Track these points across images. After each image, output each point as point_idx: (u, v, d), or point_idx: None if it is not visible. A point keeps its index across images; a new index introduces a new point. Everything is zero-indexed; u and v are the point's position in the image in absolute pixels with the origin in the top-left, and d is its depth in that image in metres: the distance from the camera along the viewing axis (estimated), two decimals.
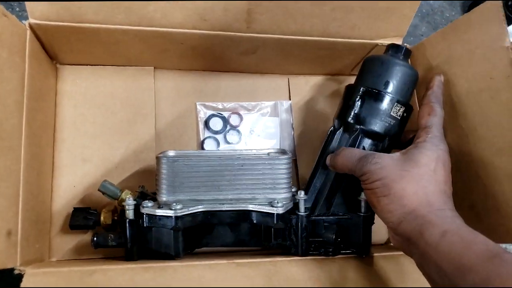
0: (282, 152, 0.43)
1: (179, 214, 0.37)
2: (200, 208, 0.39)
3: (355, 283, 0.39)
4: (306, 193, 0.42)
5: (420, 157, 0.35)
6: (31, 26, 0.40)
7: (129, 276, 0.36)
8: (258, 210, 0.39)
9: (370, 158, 0.36)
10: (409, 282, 0.41)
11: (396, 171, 0.35)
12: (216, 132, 0.52)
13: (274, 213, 0.38)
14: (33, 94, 0.40)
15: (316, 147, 0.51)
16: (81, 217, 0.41)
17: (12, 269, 0.35)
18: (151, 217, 0.38)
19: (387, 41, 0.49)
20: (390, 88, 0.41)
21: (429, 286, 0.32)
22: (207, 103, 0.52)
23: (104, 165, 0.47)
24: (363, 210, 0.41)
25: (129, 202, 0.38)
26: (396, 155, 0.37)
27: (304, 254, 0.41)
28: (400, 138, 0.43)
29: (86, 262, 0.43)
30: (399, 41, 0.49)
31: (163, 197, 0.39)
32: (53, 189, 0.46)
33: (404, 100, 0.42)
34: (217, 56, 0.50)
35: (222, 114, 0.52)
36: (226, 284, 0.36)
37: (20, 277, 0.34)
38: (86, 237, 0.45)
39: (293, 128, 0.54)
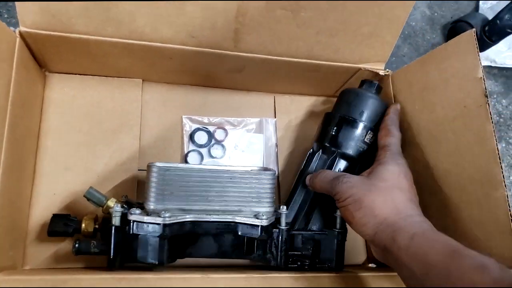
0: (265, 169, 0.44)
1: (167, 222, 0.38)
2: (188, 218, 0.39)
3: None
4: (287, 208, 0.44)
5: (384, 172, 0.39)
6: (21, 34, 0.41)
7: (103, 286, 0.36)
8: (244, 222, 0.40)
9: (341, 178, 0.40)
10: None
11: (365, 186, 0.38)
12: (201, 146, 0.52)
13: (259, 225, 0.40)
14: (18, 101, 0.40)
15: (298, 163, 0.53)
16: (61, 224, 0.40)
17: None
18: (139, 224, 0.38)
19: (369, 66, 0.51)
20: (364, 117, 0.46)
21: None
22: (193, 117, 0.53)
23: (86, 174, 0.47)
24: (338, 226, 0.44)
25: (117, 209, 0.38)
26: (363, 174, 0.41)
27: (282, 266, 0.42)
28: (369, 161, 0.45)
29: (61, 271, 0.42)
30: (381, 66, 0.51)
31: (152, 205, 0.39)
32: (32, 196, 0.45)
33: (375, 128, 0.46)
34: (204, 72, 0.51)
35: (207, 128, 0.53)
36: None
37: None
38: (63, 245, 0.45)
39: (276, 145, 0.55)
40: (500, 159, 0.37)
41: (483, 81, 0.39)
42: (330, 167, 0.46)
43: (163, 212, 0.38)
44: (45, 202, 0.45)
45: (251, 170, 0.43)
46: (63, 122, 0.48)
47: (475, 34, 0.40)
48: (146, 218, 0.38)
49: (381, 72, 0.51)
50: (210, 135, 0.53)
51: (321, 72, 0.51)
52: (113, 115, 0.50)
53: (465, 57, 0.41)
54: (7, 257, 0.39)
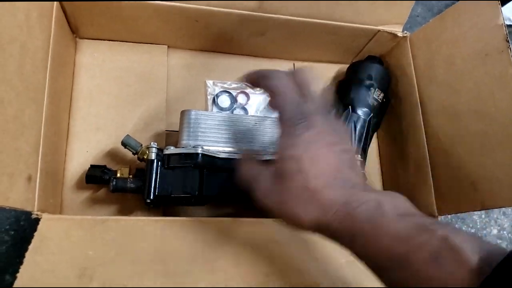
0: None
1: (202, 152, 0.40)
2: (218, 154, 0.42)
3: None
4: None
5: (282, 164, 0.30)
6: None
7: (139, 226, 0.37)
8: (269, 159, 0.41)
9: (253, 193, 0.31)
10: None
11: (278, 199, 0.30)
12: (223, 109, 0.54)
13: None
14: (57, 57, 0.43)
15: None
16: (98, 171, 0.43)
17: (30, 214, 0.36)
18: (174, 156, 0.41)
19: (388, 28, 0.52)
20: (371, 78, 0.53)
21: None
22: (216, 81, 0.55)
23: (116, 133, 0.49)
24: None
25: (153, 145, 0.41)
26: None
27: None
28: (382, 119, 0.54)
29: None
30: (399, 28, 0.53)
31: (184, 141, 0.42)
32: (67, 153, 0.47)
33: (383, 88, 0.53)
34: (228, 36, 0.53)
35: (230, 92, 0.55)
36: (229, 236, 0.38)
37: (36, 222, 0.36)
38: (98, 196, 0.46)
39: None
40: None
41: (504, 27, 0.40)
42: (344, 121, 0.51)
43: (196, 145, 0.41)
44: (78, 159, 0.47)
45: (272, 118, 0.46)
46: (94, 85, 0.51)
47: None
48: (182, 150, 0.40)
49: (399, 34, 0.52)
50: (233, 98, 0.55)
51: (341, 34, 0.53)
52: (141, 79, 0.52)
53: (485, 7, 0.42)
54: (48, 203, 0.41)
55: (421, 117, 0.50)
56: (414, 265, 0.24)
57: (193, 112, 0.44)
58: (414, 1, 0.51)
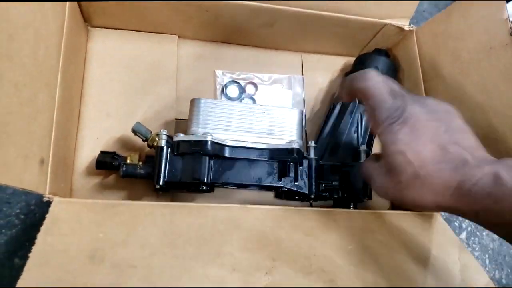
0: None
1: (211, 139, 0.41)
2: (226, 142, 0.43)
3: (354, 230, 0.42)
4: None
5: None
6: None
7: (149, 210, 0.38)
8: (276, 147, 0.44)
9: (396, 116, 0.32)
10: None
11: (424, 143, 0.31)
12: (232, 99, 0.55)
13: (292, 147, 0.43)
14: (69, 44, 0.43)
15: (323, 118, 0.55)
16: (108, 157, 0.43)
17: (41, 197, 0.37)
18: (184, 143, 0.42)
19: (395, 21, 0.53)
20: (378, 71, 0.50)
21: None
22: (225, 71, 0.55)
23: (126, 120, 0.50)
24: (362, 159, 0.47)
25: (163, 132, 0.42)
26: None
27: (314, 193, 0.45)
28: None
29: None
30: (406, 22, 0.53)
31: (193, 129, 0.43)
32: (77, 139, 0.48)
33: None
34: (238, 27, 0.53)
35: (238, 82, 0.55)
36: (237, 222, 0.39)
37: (48, 205, 0.37)
38: (107, 181, 0.47)
39: (304, 101, 0.58)
40: None
41: (508, 21, 0.40)
42: (351, 113, 0.51)
43: (205, 133, 0.42)
44: (89, 145, 0.48)
45: (280, 107, 0.47)
46: (105, 73, 0.51)
47: None
48: (191, 137, 0.41)
49: (406, 27, 0.53)
50: (241, 88, 0.55)
51: (348, 27, 0.53)
52: (151, 67, 0.53)
53: (490, 2, 0.42)
54: (59, 187, 0.42)
55: None
56: None
57: (202, 101, 0.44)
58: None
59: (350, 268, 0.37)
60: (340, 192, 0.47)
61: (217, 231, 0.38)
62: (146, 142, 0.44)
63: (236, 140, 0.44)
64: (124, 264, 0.34)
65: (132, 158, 0.43)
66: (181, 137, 0.42)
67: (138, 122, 0.44)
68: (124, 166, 0.42)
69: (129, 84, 0.52)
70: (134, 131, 0.43)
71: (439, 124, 0.31)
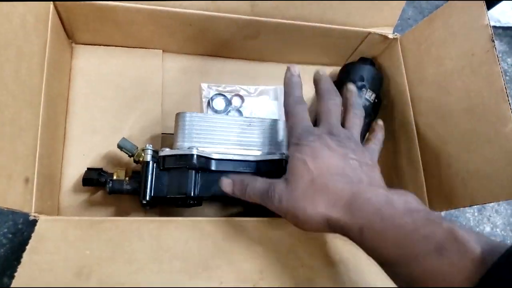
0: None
1: (196, 153, 0.41)
2: (213, 155, 0.43)
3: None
4: None
5: (292, 168, 0.34)
6: (54, 2, 0.44)
7: (136, 226, 0.38)
8: (263, 159, 0.44)
9: (270, 193, 0.34)
10: None
11: (290, 195, 0.33)
12: (218, 112, 0.55)
13: (279, 159, 0.43)
14: (53, 62, 0.43)
15: None
16: (95, 174, 0.43)
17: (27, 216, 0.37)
18: (170, 158, 0.42)
19: (379, 30, 0.53)
20: (363, 79, 0.53)
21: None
22: (211, 84, 0.56)
23: (113, 137, 0.49)
24: None
25: (149, 147, 0.43)
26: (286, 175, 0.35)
27: None
28: (374, 119, 0.51)
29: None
30: (390, 30, 0.54)
31: (179, 143, 0.43)
32: (64, 156, 0.48)
33: (375, 89, 0.54)
34: (222, 40, 0.54)
35: (225, 95, 0.55)
36: (224, 235, 0.38)
37: (34, 223, 0.36)
38: (94, 197, 0.47)
39: None
40: (508, 96, 0.39)
41: (489, 27, 0.41)
42: None
43: (191, 146, 0.42)
44: (76, 162, 0.48)
45: (266, 119, 0.47)
46: (90, 90, 0.51)
47: None
48: (176, 151, 0.41)
49: (390, 36, 0.53)
50: (228, 101, 0.55)
51: (333, 37, 0.54)
52: (136, 83, 0.53)
53: (471, 8, 0.43)
54: (46, 205, 0.41)
55: (412, 117, 0.51)
56: (419, 257, 0.25)
57: (187, 114, 0.44)
58: (404, 2, 0.52)
59: (337, 277, 0.37)
60: None
61: (204, 245, 0.38)
62: (132, 158, 0.44)
63: (222, 153, 0.43)
64: (111, 281, 0.34)
65: (118, 174, 0.43)
66: (166, 151, 0.42)
67: (123, 138, 0.44)
68: (111, 182, 0.41)
69: (114, 100, 0.52)
70: (120, 147, 0.43)
71: (349, 151, 0.34)
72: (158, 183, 0.42)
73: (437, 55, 0.48)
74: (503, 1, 0.73)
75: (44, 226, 0.36)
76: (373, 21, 0.53)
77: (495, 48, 0.40)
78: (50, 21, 0.43)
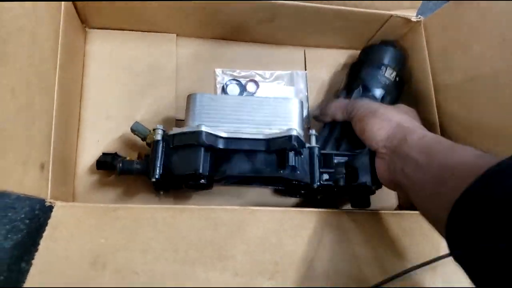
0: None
1: (207, 130, 0.40)
2: (222, 134, 0.42)
3: (360, 232, 0.41)
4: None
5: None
6: None
7: (150, 214, 0.38)
8: (274, 136, 0.41)
9: (356, 100, 0.45)
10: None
11: (378, 104, 0.44)
12: None
13: (290, 135, 0.41)
14: (66, 47, 0.43)
15: None
16: (109, 158, 0.43)
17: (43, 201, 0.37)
18: (179, 136, 0.41)
19: (402, 13, 0.51)
20: (385, 59, 0.51)
21: None
22: (225, 70, 0.54)
23: (127, 122, 0.49)
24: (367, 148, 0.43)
25: (159, 127, 0.42)
26: None
27: (316, 183, 0.43)
28: (396, 99, 0.51)
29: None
30: (413, 13, 0.51)
31: (190, 122, 0.42)
32: (78, 142, 0.48)
33: (396, 67, 0.51)
34: (236, 23, 0.52)
35: (239, 81, 0.54)
36: (239, 225, 0.38)
37: (50, 209, 0.37)
38: (109, 181, 0.47)
39: (307, 98, 0.56)
40: None
41: None
42: None
43: (199, 124, 0.41)
44: (90, 148, 0.48)
45: (278, 98, 0.46)
46: (104, 74, 0.51)
47: None
48: (187, 129, 0.41)
49: (413, 19, 0.51)
50: (242, 87, 0.54)
51: (352, 20, 0.52)
52: (150, 68, 0.52)
53: None
54: (60, 192, 0.42)
55: (434, 104, 0.49)
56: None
57: (198, 95, 0.43)
58: None
59: (352, 273, 0.36)
60: (344, 180, 0.43)
61: (219, 234, 0.37)
62: (145, 142, 0.43)
63: (232, 132, 0.42)
64: (126, 270, 0.34)
65: (130, 157, 0.43)
66: (175, 130, 0.41)
67: (136, 122, 0.43)
68: (121, 163, 0.41)
69: (128, 85, 0.51)
70: (133, 130, 0.43)
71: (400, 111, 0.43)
72: (167, 161, 0.41)
73: (464, 39, 0.45)
74: None
75: (60, 212, 0.36)
76: (395, 3, 0.50)
77: None
78: (62, 6, 0.42)
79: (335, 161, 0.44)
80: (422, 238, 0.42)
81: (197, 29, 0.54)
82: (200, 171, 0.40)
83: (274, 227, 0.39)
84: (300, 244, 0.37)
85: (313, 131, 0.45)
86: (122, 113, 0.50)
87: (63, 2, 0.42)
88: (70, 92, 0.45)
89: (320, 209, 0.42)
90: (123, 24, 0.51)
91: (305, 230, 0.39)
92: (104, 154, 0.44)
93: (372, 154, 0.42)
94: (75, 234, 0.35)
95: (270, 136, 0.42)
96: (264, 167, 0.42)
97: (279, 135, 0.41)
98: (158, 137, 0.41)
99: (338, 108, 0.46)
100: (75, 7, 0.47)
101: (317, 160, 0.43)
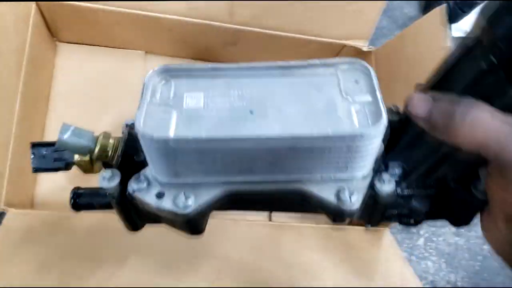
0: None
1: (191, 212, 0.24)
2: (220, 193, 0.24)
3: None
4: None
5: None
6: (37, 2, 0.45)
7: (103, 223, 0.40)
8: (317, 195, 0.24)
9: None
10: None
11: None
12: None
13: (343, 210, 0.24)
14: (33, 60, 0.45)
15: None
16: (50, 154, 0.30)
17: None
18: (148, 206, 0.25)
19: (353, 43, 0.55)
20: None
21: None
22: None
23: None
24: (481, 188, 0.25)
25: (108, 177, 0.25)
26: None
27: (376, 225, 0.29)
28: None
29: None
30: (365, 43, 0.56)
31: (161, 178, 0.25)
32: None
33: None
34: (203, 45, 0.55)
35: None
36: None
37: (2, 216, 0.38)
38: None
39: None
40: None
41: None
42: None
43: (180, 196, 0.24)
44: None
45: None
46: (71, 88, 0.53)
47: (446, 8, 0.44)
48: (158, 206, 0.24)
49: (365, 48, 0.55)
50: None
51: (309, 48, 0.55)
52: (118, 83, 0.54)
53: (437, 30, 0.45)
54: (17, 200, 0.43)
55: None
56: None
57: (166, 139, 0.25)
58: (378, 16, 0.54)
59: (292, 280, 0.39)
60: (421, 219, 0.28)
61: (167, 244, 0.39)
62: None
63: (241, 183, 0.25)
64: (72, 276, 0.35)
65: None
66: (139, 194, 0.24)
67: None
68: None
69: (95, 99, 0.53)
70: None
71: None
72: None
73: (406, 72, 0.49)
74: (470, 13, 0.75)
75: (12, 219, 0.38)
76: (349, 33, 0.54)
77: None
78: (31, 20, 0.45)
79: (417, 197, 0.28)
80: (362, 252, 0.45)
81: (166, 48, 0.57)
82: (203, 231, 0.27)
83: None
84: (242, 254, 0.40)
85: (385, 175, 0.25)
86: (86, 123, 0.52)
87: (32, 17, 0.45)
88: (35, 102, 0.47)
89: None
90: (92, 40, 0.54)
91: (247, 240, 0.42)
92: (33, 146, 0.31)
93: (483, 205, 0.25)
94: (25, 239, 0.36)
95: (311, 191, 0.25)
96: (300, 207, 0.29)
97: (323, 199, 0.24)
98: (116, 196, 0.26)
99: (439, 113, 0.22)
100: (44, 19, 0.49)
101: (382, 209, 0.27)
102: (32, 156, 0.30)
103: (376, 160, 0.25)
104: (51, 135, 0.50)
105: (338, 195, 0.24)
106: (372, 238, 0.47)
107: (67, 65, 0.53)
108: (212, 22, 0.50)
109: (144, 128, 0.23)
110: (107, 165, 0.28)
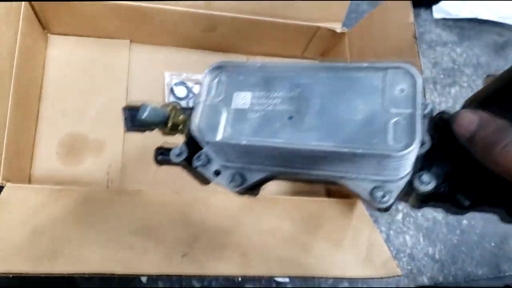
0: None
1: (239, 190, 0.28)
2: (263, 176, 0.28)
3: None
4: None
5: None
6: None
7: (91, 195, 0.44)
8: (352, 189, 0.26)
9: None
10: None
11: None
12: (180, 99, 0.60)
13: (375, 206, 0.25)
14: (25, 51, 0.49)
15: None
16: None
17: None
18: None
19: (327, 25, 0.58)
20: None
21: None
22: (174, 73, 0.61)
23: (82, 117, 0.56)
24: None
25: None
26: None
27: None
28: None
29: None
30: (338, 25, 0.58)
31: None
32: (37, 133, 0.54)
33: None
34: (182, 32, 0.58)
35: (186, 84, 0.61)
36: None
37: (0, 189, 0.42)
38: (67, 169, 0.53)
39: None
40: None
41: (413, 25, 0.45)
42: None
43: (231, 177, 0.28)
44: (47, 140, 0.54)
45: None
46: (62, 76, 0.57)
47: None
48: (216, 181, 0.29)
49: (338, 30, 0.58)
50: (189, 89, 0.60)
51: (286, 31, 0.58)
52: (104, 70, 0.58)
53: (401, 7, 0.47)
54: (14, 176, 0.47)
55: None
56: None
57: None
58: (350, 1, 0.56)
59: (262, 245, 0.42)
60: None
61: (149, 214, 0.43)
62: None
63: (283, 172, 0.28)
64: (61, 238, 0.39)
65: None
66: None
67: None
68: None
69: (84, 86, 0.57)
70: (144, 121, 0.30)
71: None
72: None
73: (375, 50, 0.52)
74: None
75: (8, 192, 0.42)
76: (323, 16, 0.57)
77: (417, 45, 0.45)
78: (22, 14, 0.48)
79: None
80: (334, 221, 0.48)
81: (149, 37, 0.60)
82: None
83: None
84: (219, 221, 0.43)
85: (425, 181, 0.24)
86: (77, 110, 0.56)
87: (22, 11, 0.49)
88: (28, 90, 0.51)
89: None
90: (80, 31, 0.58)
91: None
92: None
93: None
94: (19, 208, 0.40)
95: (349, 183, 0.27)
96: None
97: (361, 195, 0.26)
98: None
99: (481, 139, 0.21)
100: (35, 14, 0.53)
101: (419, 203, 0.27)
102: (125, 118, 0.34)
103: (418, 159, 0.24)
104: (45, 120, 0.54)
105: (371, 193, 0.25)
106: (344, 209, 0.50)
107: (57, 55, 0.57)
108: (189, 9, 0.53)
109: (198, 133, 0.27)
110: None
